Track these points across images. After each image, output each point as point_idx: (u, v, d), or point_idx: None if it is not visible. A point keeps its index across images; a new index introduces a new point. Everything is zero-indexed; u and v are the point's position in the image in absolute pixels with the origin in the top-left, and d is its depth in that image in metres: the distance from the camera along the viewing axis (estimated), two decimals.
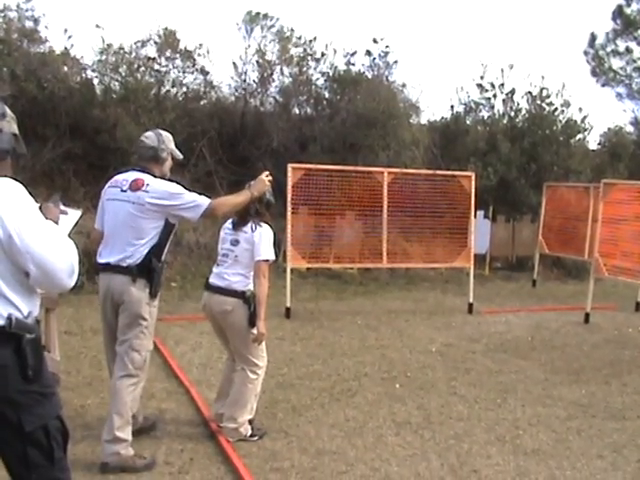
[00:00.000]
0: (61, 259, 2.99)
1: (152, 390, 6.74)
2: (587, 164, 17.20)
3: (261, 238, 5.56)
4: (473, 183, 11.59)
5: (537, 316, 11.41)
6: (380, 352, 8.72)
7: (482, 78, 17.13)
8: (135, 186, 4.99)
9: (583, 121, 17.05)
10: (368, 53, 16.02)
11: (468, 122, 17.58)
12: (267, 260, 5.57)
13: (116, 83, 14.41)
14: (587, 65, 21.93)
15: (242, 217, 5.62)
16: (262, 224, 5.63)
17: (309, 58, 15.87)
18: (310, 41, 15.90)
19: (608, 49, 21.52)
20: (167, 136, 5.30)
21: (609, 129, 20.19)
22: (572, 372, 8.16)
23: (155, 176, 5.09)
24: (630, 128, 21.27)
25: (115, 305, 5.05)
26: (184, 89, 15.24)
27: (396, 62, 16.17)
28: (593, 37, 21.66)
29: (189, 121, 14.53)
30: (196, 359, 7.95)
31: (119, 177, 5.19)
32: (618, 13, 21.12)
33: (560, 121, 16.84)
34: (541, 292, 14.13)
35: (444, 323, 10.62)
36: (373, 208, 11.27)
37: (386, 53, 16.02)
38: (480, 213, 14.67)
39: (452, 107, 17.78)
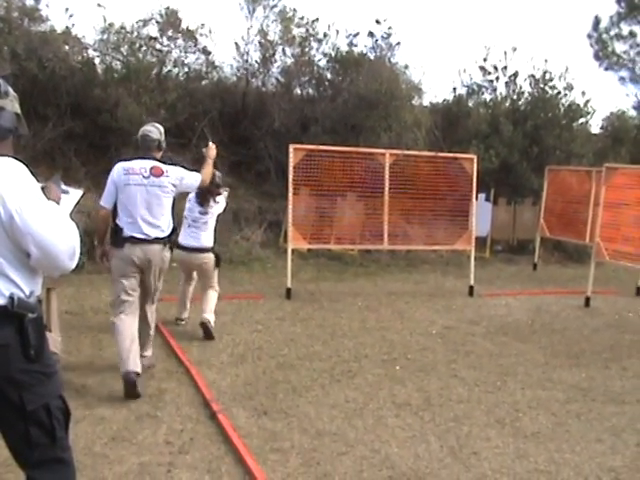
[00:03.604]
0: (62, 241, 2.98)
1: (152, 370, 6.75)
2: (589, 148, 17.17)
3: (220, 206, 8.46)
4: (475, 165, 11.57)
5: (538, 299, 11.42)
6: (380, 334, 8.73)
7: (485, 60, 17.14)
8: (157, 173, 6.36)
9: (586, 105, 17.02)
10: (371, 34, 15.97)
11: (470, 104, 17.54)
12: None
13: (117, 63, 14.34)
14: (590, 49, 21.86)
15: (205, 198, 8.19)
16: (217, 198, 8.35)
17: (311, 39, 15.81)
18: (312, 22, 15.84)
19: (612, 33, 21.44)
20: (162, 128, 6.68)
21: (612, 113, 20.15)
22: (572, 356, 8.17)
23: (161, 162, 6.48)
24: (633, 112, 21.21)
25: (146, 267, 6.39)
26: (186, 69, 15.19)
27: (399, 43, 16.14)
28: (597, 20, 21.58)
29: (190, 101, 14.50)
30: (196, 339, 7.95)
31: (133, 166, 6.38)
32: None
33: (563, 104, 16.82)
34: (542, 275, 14.14)
35: (444, 305, 10.63)
36: (374, 190, 11.25)
37: (389, 34, 15.98)
38: (481, 196, 14.66)
39: (454, 89, 17.78)
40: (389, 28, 15.95)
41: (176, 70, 15.05)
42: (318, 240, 11.56)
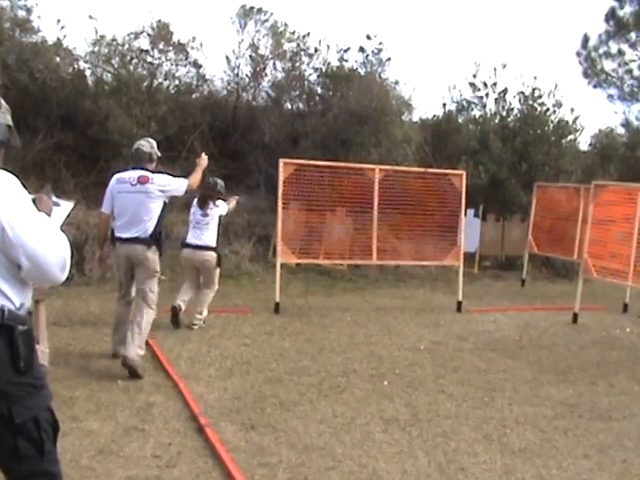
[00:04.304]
0: (53, 253, 2.98)
1: (140, 383, 6.75)
2: (578, 165, 17.23)
3: (220, 209, 9.34)
4: (464, 182, 11.60)
5: (526, 315, 11.43)
6: (369, 349, 8.73)
7: (475, 77, 17.21)
8: (143, 180, 7.14)
9: (574, 122, 17.10)
10: (361, 49, 16.04)
11: (460, 121, 17.60)
12: (227, 213, 9.61)
13: (108, 75, 14.39)
14: (579, 66, 21.98)
15: (205, 202, 9.23)
16: (217, 202, 9.32)
17: (302, 53, 15.90)
18: (303, 36, 15.94)
19: (600, 51, 21.57)
20: (154, 142, 7.51)
21: (600, 130, 20.29)
22: (560, 372, 8.18)
23: (150, 171, 7.26)
24: (621, 130, 21.33)
25: (133, 265, 7.26)
26: (176, 82, 15.25)
27: (389, 59, 16.23)
28: (586, 38, 21.71)
29: (181, 114, 14.53)
30: (184, 353, 7.94)
31: (125, 175, 7.29)
32: (611, 15, 21.17)
33: (552, 121, 16.89)
34: (530, 292, 14.16)
35: (433, 321, 10.63)
36: (364, 205, 11.27)
37: (379, 50, 16.06)
38: (470, 212, 14.68)
39: (444, 105, 17.83)
40: (380, 44, 16.07)
41: (167, 83, 15.09)
42: (307, 255, 11.58)
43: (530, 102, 16.89)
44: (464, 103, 17.55)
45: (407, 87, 17.34)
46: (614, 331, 10.75)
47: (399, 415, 6.35)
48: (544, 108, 16.85)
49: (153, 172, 7.28)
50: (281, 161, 10.67)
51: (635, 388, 7.73)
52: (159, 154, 7.54)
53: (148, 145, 7.37)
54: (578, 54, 21.84)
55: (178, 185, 7.34)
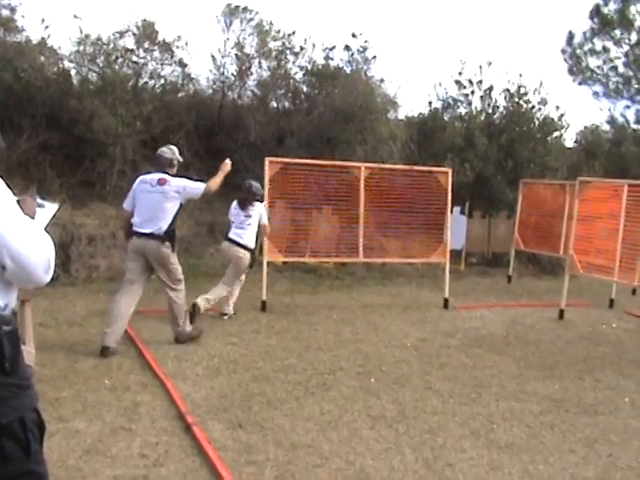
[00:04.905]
0: (38, 254, 2.96)
1: (127, 382, 6.74)
2: (563, 162, 17.29)
3: (262, 211, 9.90)
4: (450, 179, 11.61)
5: (512, 312, 11.47)
6: (355, 346, 8.75)
7: (460, 74, 17.20)
8: (161, 182, 7.95)
9: (560, 119, 17.15)
10: (347, 48, 16.01)
11: (446, 118, 17.60)
12: (265, 225, 9.92)
13: (93, 74, 14.29)
14: (564, 63, 22.08)
15: (245, 204, 9.82)
16: (255, 203, 9.84)
17: (288, 52, 15.86)
18: (289, 35, 15.89)
19: (585, 48, 21.67)
20: (176, 149, 8.33)
21: (585, 127, 20.38)
22: (546, 368, 8.22)
23: (170, 175, 8.07)
24: (606, 127, 21.44)
25: (145, 257, 7.95)
26: (162, 81, 15.15)
27: (375, 57, 16.19)
28: (571, 36, 21.81)
29: (166, 113, 14.48)
30: (171, 352, 7.93)
31: (147, 177, 8.13)
32: (596, 12, 21.26)
33: (537, 118, 16.93)
34: (516, 288, 14.20)
35: (419, 318, 10.66)
36: (350, 203, 11.28)
37: (365, 48, 16.02)
38: (456, 209, 14.70)
39: (430, 103, 17.81)
40: (365, 42, 16.03)
41: (152, 82, 15.01)
42: (293, 253, 11.59)
43: (516, 99, 16.93)
44: (450, 101, 17.57)
45: (393, 85, 17.22)
46: (600, 327, 10.81)
47: (386, 412, 6.37)
48: (530, 105, 16.89)
49: (173, 176, 8.09)
50: (267, 160, 10.67)
51: (621, 383, 7.79)
52: (180, 159, 8.37)
53: (169, 152, 8.22)
54: (563, 51, 21.98)
55: (194, 188, 8.09)
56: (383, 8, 31.87)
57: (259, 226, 9.95)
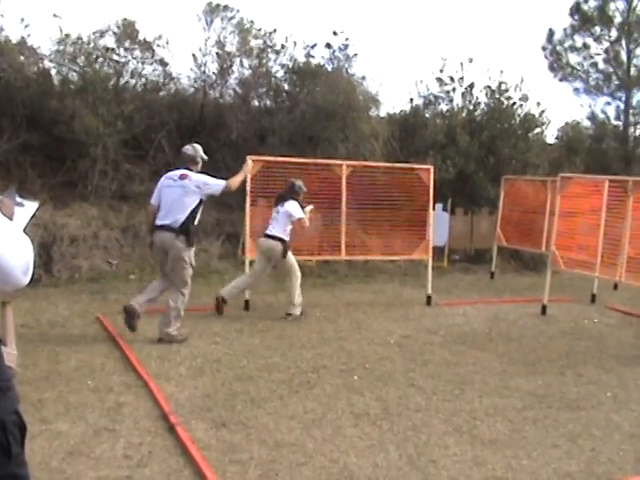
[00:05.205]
0: (16, 256, 2.94)
1: (110, 383, 6.73)
2: (545, 158, 17.36)
3: (292, 207, 10.12)
4: (432, 176, 11.63)
5: (495, 308, 11.51)
6: (338, 344, 8.76)
7: (441, 72, 17.21)
8: (183, 177, 8.39)
9: (541, 115, 17.23)
10: (328, 46, 15.99)
11: (427, 115, 17.63)
12: (300, 218, 10.12)
13: (74, 74, 14.22)
14: (545, 60, 22.12)
15: (278, 200, 10.22)
16: (290, 200, 10.16)
17: (269, 50, 15.84)
18: (270, 33, 15.86)
19: (566, 44, 21.71)
20: (199, 147, 8.71)
21: (566, 123, 20.45)
22: (529, 363, 8.26)
23: (192, 171, 8.49)
24: (587, 123, 21.52)
25: (165, 250, 8.34)
26: (143, 80, 15.11)
27: (356, 55, 16.17)
28: (551, 32, 21.84)
29: (148, 112, 14.44)
30: (154, 352, 7.92)
31: (171, 173, 8.59)
32: (576, 9, 21.32)
33: (518, 115, 17.01)
34: (499, 284, 14.25)
35: (402, 315, 10.68)
36: (332, 200, 11.28)
37: (346, 46, 16.01)
38: (439, 206, 14.71)
39: (411, 100, 17.82)
40: (346, 39, 16.00)
41: (133, 81, 14.96)
42: None
43: (497, 96, 16.98)
44: (431, 98, 17.59)
45: (374, 82, 17.23)
46: (582, 322, 10.86)
47: (369, 409, 6.38)
48: (511, 102, 16.95)
49: (196, 172, 8.52)
50: (248, 158, 10.65)
51: (603, 377, 7.83)
52: (204, 157, 8.73)
53: (192, 149, 8.63)
54: (544, 48, 21.99)
55: (214, 184, 8.48)
56: (364, 6, 31.88)
57: (292, 222, 10.24)
